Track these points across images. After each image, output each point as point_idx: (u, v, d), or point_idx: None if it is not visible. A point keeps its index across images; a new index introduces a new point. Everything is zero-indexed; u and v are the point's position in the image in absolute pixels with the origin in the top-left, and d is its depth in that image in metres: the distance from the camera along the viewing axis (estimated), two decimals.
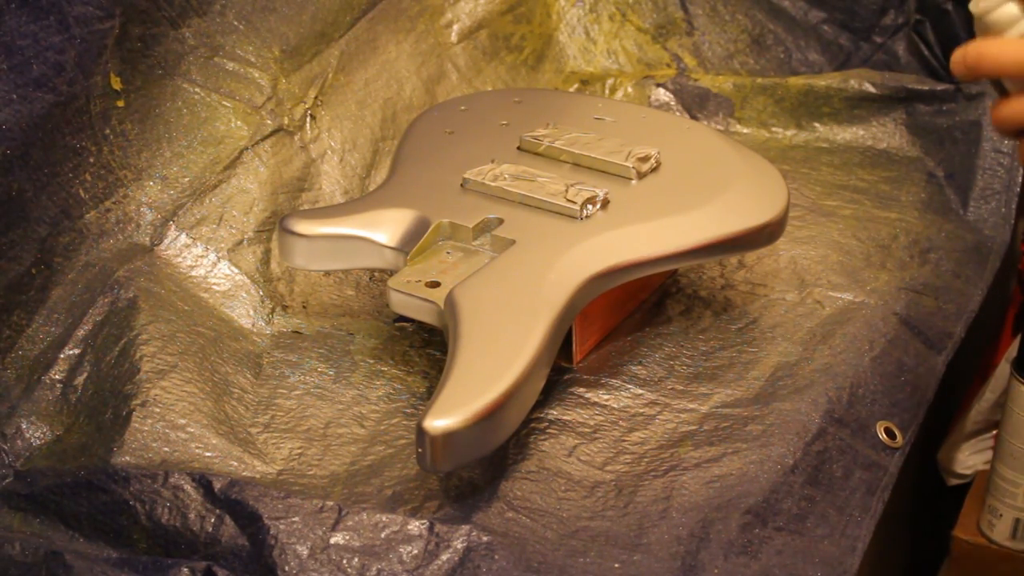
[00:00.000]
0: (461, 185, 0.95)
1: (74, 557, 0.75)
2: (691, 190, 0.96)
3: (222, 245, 0.98)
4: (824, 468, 0.86)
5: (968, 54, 0.76)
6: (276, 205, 1.03)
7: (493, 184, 0.94)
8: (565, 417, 0.87)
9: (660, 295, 1.01)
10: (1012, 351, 1.00)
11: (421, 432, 0.75)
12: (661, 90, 1.30)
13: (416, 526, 0.76)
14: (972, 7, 0.77)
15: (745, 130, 1.29)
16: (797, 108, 1.28)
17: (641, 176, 0.97)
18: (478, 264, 0.88)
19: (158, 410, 0.84)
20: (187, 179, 0.99)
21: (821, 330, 0.97)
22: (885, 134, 1.26)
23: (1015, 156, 1.18)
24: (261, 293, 0.98)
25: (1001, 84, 0.77)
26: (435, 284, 0.86)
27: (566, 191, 0.93)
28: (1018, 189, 1.17)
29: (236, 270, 0.98)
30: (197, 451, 0.82)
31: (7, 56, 0.88)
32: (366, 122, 1.13)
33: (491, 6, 1.27)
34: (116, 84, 0.96)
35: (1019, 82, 0.76)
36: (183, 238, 0.97)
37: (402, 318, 0.97)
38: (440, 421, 0.75)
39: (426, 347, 0.95)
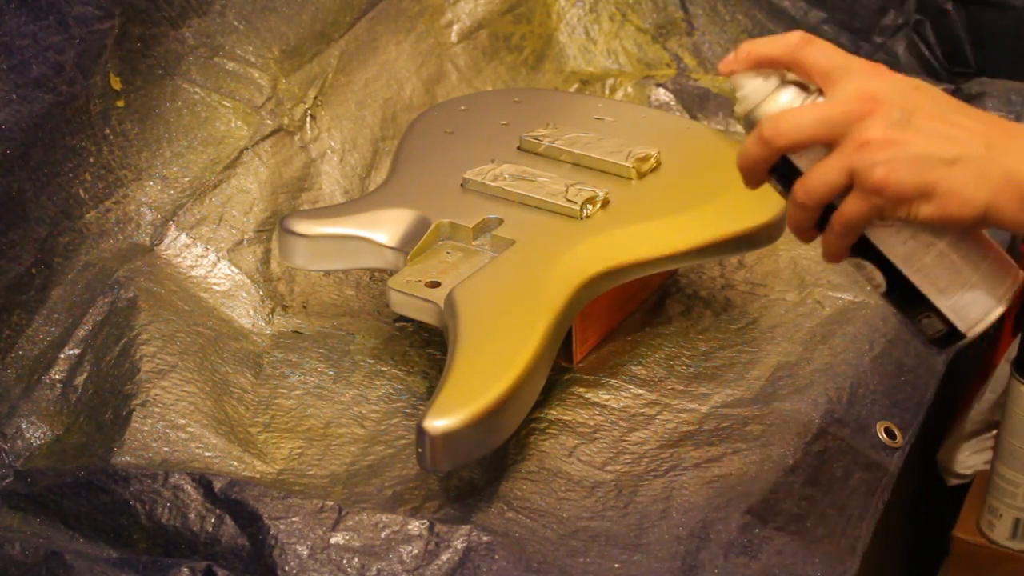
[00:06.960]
0: (461, 185, 0.95)
1: (74, 557, 0.75)
2: (691, 190, 0.96)
3: (222, 245, 0.98)
4: (824, 468, 0.86)
5: (762, 131, 0.69)
6: (276, 205, 1.03)
7: (493, 184, 0.94)
8: (565, 417, 0.87)
9: (660, 295, 1.01)
10: (1012, 351, 1.00)
11: (421, 432, 0.75)
12: (661, 90, 1.30)
13: (416, 526, 0.76)
14: (737, 110, 0.71)
15: None
16: None
17: (641, 176, 0.97)
18: (478, 264, 0.88)
19: (158, 410, 0.84)
20: (187, 179, 0.99)
21: (821, 330, 0.97)
22: None
23: None
24: (261, 293, 0.98)
25: (788, 168, 0.71)
26: (435, 284, 0.86)
27: (566, 191, 0.93)
28: None
29: (236, 270, 0.98)
30: (197, 451, 0.82)
31: (7, 56, 0.88)
32: (366, 122, 1.13)
33: (491, 6, 1.27)
34: (116, 84, 0.96)
35: (812, 154, 0.70)
36: (183, 238, 0.97)
37: (402, 318, 0.97)
38: (440, 421, 0.75)
39: (426, 347, 0.95)
